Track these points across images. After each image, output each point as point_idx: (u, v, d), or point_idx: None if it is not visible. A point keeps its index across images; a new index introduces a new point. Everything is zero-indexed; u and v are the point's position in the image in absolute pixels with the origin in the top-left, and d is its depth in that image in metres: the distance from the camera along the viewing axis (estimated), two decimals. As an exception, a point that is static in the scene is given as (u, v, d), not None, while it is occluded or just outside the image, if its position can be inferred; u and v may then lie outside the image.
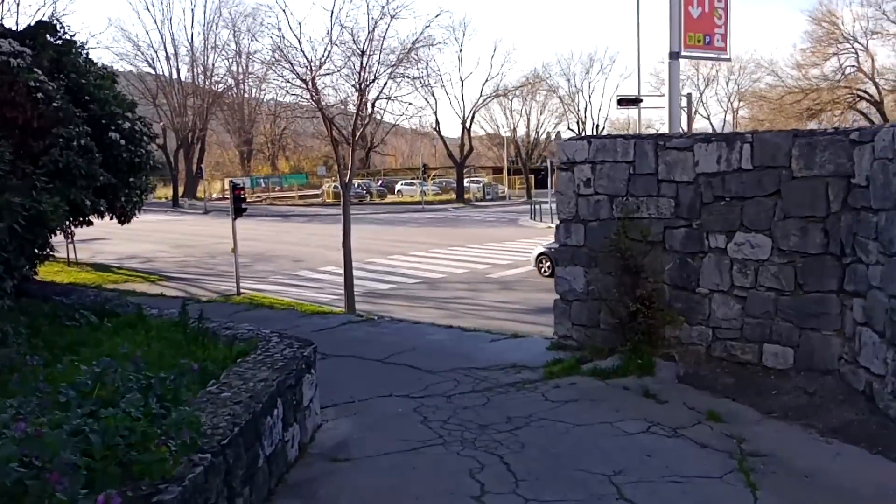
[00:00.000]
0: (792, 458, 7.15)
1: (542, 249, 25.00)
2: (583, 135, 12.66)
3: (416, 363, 10.91)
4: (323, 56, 19.78)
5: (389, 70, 20.09)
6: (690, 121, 30.64)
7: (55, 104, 12.76)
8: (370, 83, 19.99)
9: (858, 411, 7.98)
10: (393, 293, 23.31)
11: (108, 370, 5.51)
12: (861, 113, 58.20)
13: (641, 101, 46.87)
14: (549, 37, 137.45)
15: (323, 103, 20.37)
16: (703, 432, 7.86)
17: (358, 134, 20.67)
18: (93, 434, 4.48)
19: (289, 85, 20.73)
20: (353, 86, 20.02)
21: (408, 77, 21.23)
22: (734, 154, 9.38)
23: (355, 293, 19.69)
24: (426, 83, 22.32)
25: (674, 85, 17.01)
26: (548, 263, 24.26)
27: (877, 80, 59.76)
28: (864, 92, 60.87)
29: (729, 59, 18.22)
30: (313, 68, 19.85)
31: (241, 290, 23.13)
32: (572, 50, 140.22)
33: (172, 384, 5.97)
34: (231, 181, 28.53)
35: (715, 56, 17.88)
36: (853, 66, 60.45)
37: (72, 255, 27.55)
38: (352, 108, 20.63)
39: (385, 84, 20.29)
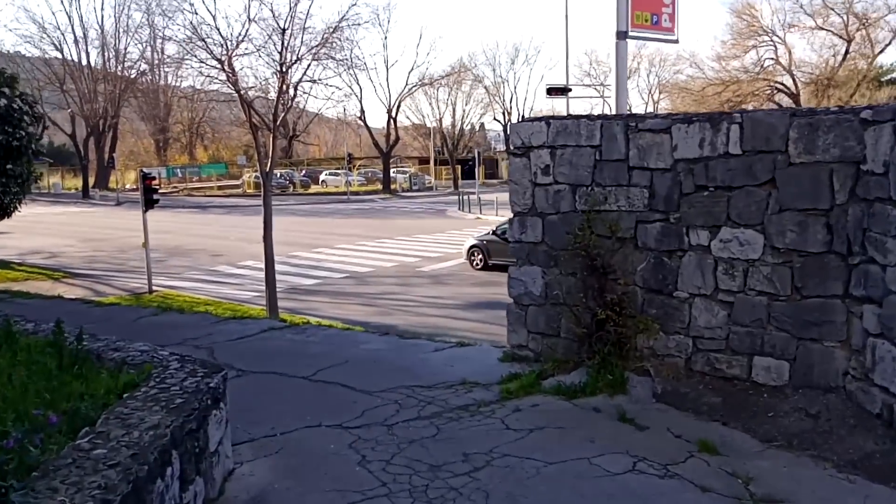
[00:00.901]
0: (815, 504, 5.89)
1: (473, 242, 25.00)
2: (542, 116, 11.56)
3: (349, 381, 9.32)
4: (240, 34, 18.34)
5: (313, 50, 18.63)
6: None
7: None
8: (292, 64, 18.59)
9: (877, 439, 6.78)
10: (318, 289, 22.19)
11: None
12: (779, 105, 59.18)
13: (570, 90, 46.18)
14: (474, 26, 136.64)
15: (241, 86, 18.85)
16: (699, 469, 6.54)
17: (279, 119, 19.15)
18: None
19: (203, 66, 19.09)
20: (273, 69, 18.57)
21: (333, 58, 19.77)
22: (720, 137, 8.08)
23: (278, 290, 18.25)
24: (352, 65, 20.80)
25: (621, 67, 15.83)
26: (480, 256, 24.30)
27: (794, 73, 61.00)
28: (782, 84, 62.03)
29: (676, 41, 17.10)
30: (230, 47, 18.33)
31: (154, 288, 21.69)
32: (498, 40, 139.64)
33: (18, 444, 4.34)
34: (141, 171, 26.89)
35: (662, 37, 16.76)
36: (772, 58, 61.68)
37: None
38: (273, 93, 19.08)
39: (308, 66, 18.85)
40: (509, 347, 10.01)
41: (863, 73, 59.95)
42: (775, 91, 63.10)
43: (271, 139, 19.02)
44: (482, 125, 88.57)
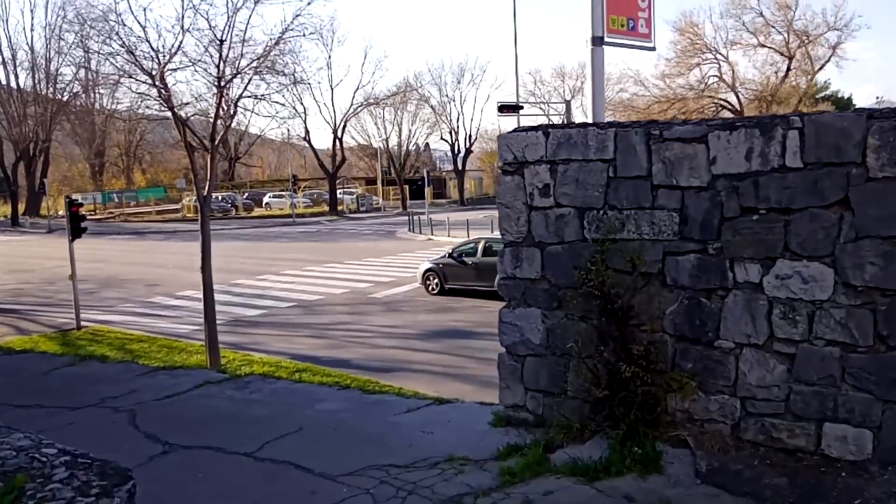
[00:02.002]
0: None
1: (429, 265, 23.90)
2: (540, 124, 9.98)
3: (304, 459, 7.34)
4: (173, 46, 16.60)
5: (256, 62, 16.88)
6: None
7: None
8: (231, 78, 16.86)
9: None
10: (263, 320, 20.54)
11: None
12: (723, 122, 59.28)
13: (522, 107, 45.14)
14: (419, 45, 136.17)
15: (175, 102, 17.03)
16: None
17: (218, 138, 17.33)
18: None
19: (133, 81, 17.25)
20: (211, 82, 16.82)
21: (277, 72, 18.01)
22: (773, 146, 6.42)
23: (219, 322, 16.38)
24: (296, 81, 19.00)
25: (597, 75, 14.35)
26: (436, 280, 23.08)
27: (737, 90, 61.40)
28: (726, 101, 62.34)
29: (653, 48, 15.73)
30: (161, 60, 16.52)
31: (83, 323, 19.76)
32: (443, 59, 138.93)
33: None
34: (67, 198, 25.02)
35: (639, 43, 15.40)
36: (715, 76, 62.14)
37: None
38: (210, 109, 17.27)
39: (250, 80, 17.10)
40: (502, 408, 8.16)
41: (803, 90, 60.62)
42: (720, 108, 63.38)
43: (210, 159, 17.23)
44: (427, 145, 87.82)
